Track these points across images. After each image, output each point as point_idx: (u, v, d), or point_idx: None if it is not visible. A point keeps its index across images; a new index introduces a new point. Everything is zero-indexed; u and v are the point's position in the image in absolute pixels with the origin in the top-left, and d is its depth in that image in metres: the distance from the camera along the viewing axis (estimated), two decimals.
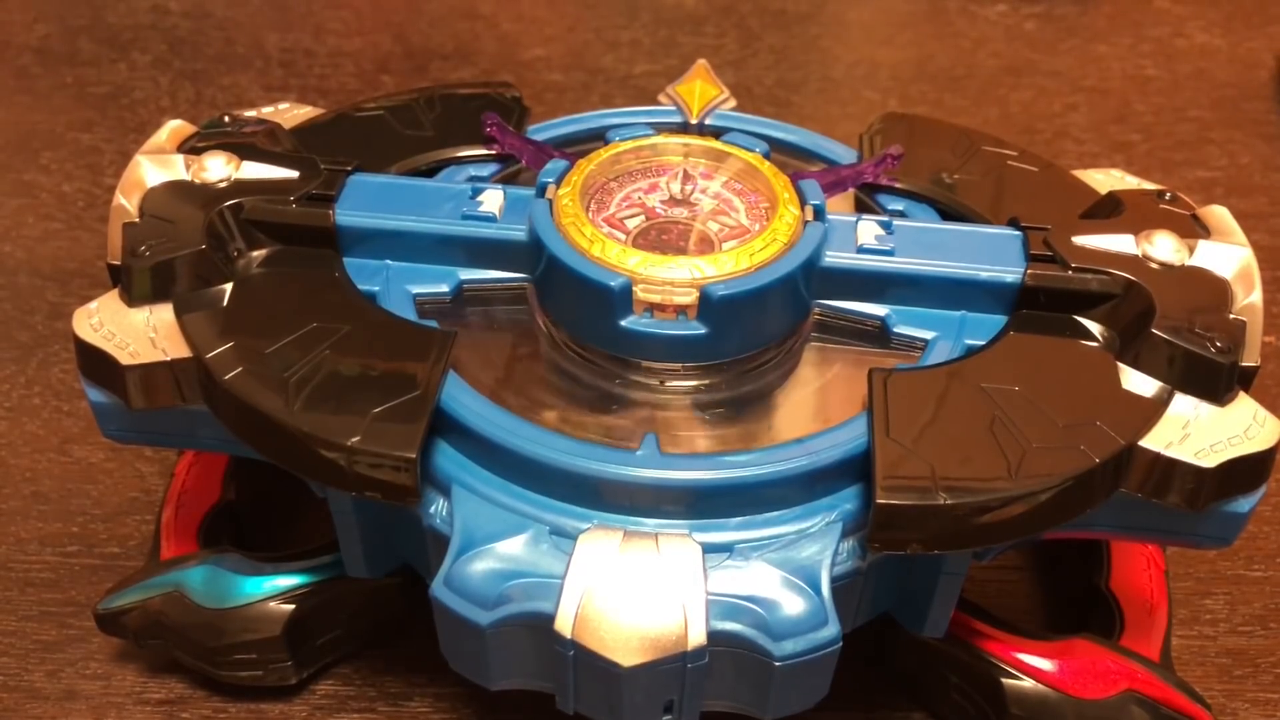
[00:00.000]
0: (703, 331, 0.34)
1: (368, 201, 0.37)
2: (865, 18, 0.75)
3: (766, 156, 0.39)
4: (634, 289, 0.34)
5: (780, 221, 0.36)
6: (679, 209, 0.38)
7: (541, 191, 0.37)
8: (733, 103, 0.43)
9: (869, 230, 0.37)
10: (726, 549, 0.32)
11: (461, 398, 0.33)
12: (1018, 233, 0.37)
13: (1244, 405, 0.33)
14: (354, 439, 0.31)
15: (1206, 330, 0.33)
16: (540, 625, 0.31)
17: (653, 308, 0.34)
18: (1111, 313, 0.35)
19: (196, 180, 0.37)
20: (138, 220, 0.36)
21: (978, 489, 0.31)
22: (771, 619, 0.31)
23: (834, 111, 0.67)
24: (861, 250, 0.36)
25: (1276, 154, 0.64)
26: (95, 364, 0.35)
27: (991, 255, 0.36)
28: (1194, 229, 0.37)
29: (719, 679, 0.32)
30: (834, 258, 0.36)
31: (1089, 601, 0.40)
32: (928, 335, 0.36)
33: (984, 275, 0.36)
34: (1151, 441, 0.32)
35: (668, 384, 0.35)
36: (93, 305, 0.35)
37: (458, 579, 0.31)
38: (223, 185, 0.37)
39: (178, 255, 0.35)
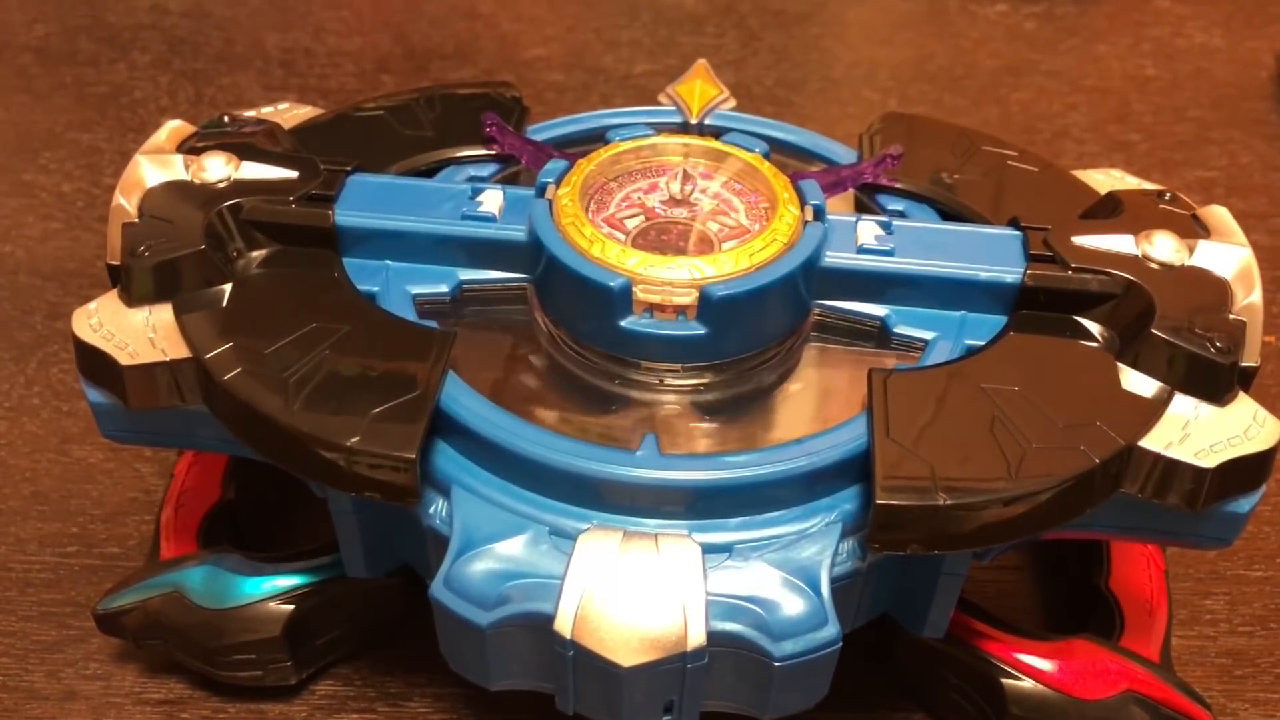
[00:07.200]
0: (702, 332, 0.34)
1: (367, 202, 0.37)
2: (865, 18, 0.75)
3: (766, 156, 0.39)
4: (634, 289, 0.34)
5: (780, 222, 0.36)
6: (679, 209, 0.38)
7: (541, 192, 0.37)
8: (732, 103, 0.43)
9: (869, 230, 0.37)
10: (726, 549, 0.32)
11: (461, 398, 0.33)
12: (1017, 233, 0.37)
13: (1244, 405, 0.33)
14: (353, 439, 0.31)
15: (1206, 330, 0.33)
16: (540, 625, 0.31)
17: (652, 308, 0.34)
18: (1111, 313, 0.35)
19: (196, 180, 0.37)
20: (137, 220, 0.36)
21: (977, 489, 0.31)
22: (771, 619, 0.31)
23: (834, 111, 0.67)
24: (861, 250, 0.36)
25: (1276, 154, 0.64)
26: (95, 364, 0.35)
27: (991, 255, 0.36)
28: (1194, 229, 0.37)
29: (719, 679, 0.32)
30: (834, 258, 0.36)
31: (1089, 601, 0.40)
32: (928, 335, 0.36)
33: (984, 275, 0.36)
34: (1151, 442, 0.32)
35: (667, 384, 0.35)
36: (92, 305, 0.35)
37: (457, 579, 0.31)
38: (222, 185, 0.37)
39: (177, 255, 0.35)
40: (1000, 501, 0.31)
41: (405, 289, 0.36)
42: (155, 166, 0.37)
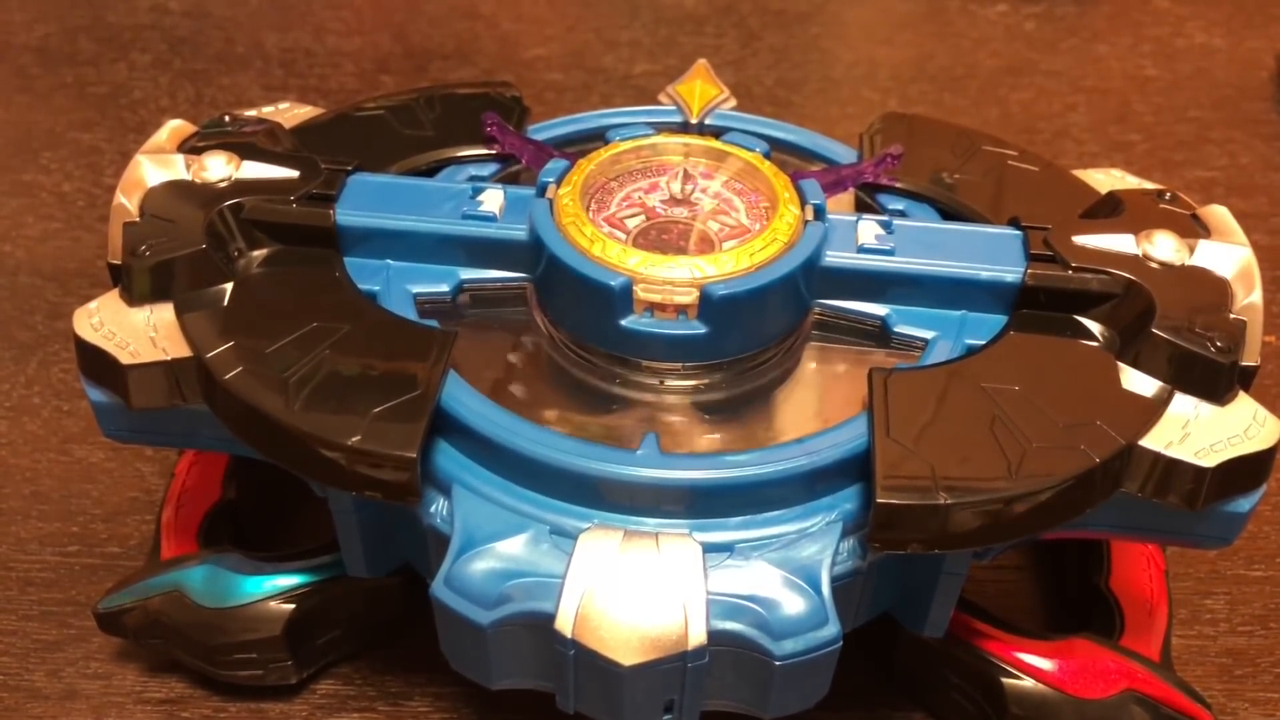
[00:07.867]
0: (703, 331, 0.34)
1: (368, 201, 0.37)
2: (865, 18, 0.75)
3: (766, 156, 0.39)
4: (634, 288, 0.34)
5: (780, 221, 0.36)
6: (679, 208, 0.38)
7: (542, 191, 0.37)
8: (733, 102, 0.43)
9: (869, 230, 0.37)
10: (727, 548, 0.32)
11: (462, 397, 0.33)
12: (1018, 232, 0.37)
13: (1244, 405, 0.33)
14: (354, 439, 0.31)
15: (1206, 330, 0.33)
16: (541, 625, 0.31)
17: (653, 307, 0.34)
18: (1112, 312, 0.35)
19: (197, 180, 0.37)
20: (138, 220, 0.36)
21: (978, 489, 0.31)
22: (772, 618, 0.31)
23: (834, 111, 0.67)
24: (862, 250, 0.36)
25: (1276, 154, 0.64)
26: (96, 363, 0.35)
27: (992, 255, 0.36)
28: (1194, 229, 0.37)
29: (719, 678, 0.32)
30: (834, 257, 0.36)
31: (1089, 601, 0.40)
32: (928, 335, 0.36)
33: (984, 275, 0.36)
34: (1151, 441, 0.32)
35: (668, 384, 0.35)
36: (93, 305, 0.35)
37: (458, 578, 0.31)
38: (223, 185, 0.37)
39: (178, 255, 0.35)
40: (1000, 501, 0.31)
41: (406, 288, 0.36)
42: (156, 166, 0.37)
